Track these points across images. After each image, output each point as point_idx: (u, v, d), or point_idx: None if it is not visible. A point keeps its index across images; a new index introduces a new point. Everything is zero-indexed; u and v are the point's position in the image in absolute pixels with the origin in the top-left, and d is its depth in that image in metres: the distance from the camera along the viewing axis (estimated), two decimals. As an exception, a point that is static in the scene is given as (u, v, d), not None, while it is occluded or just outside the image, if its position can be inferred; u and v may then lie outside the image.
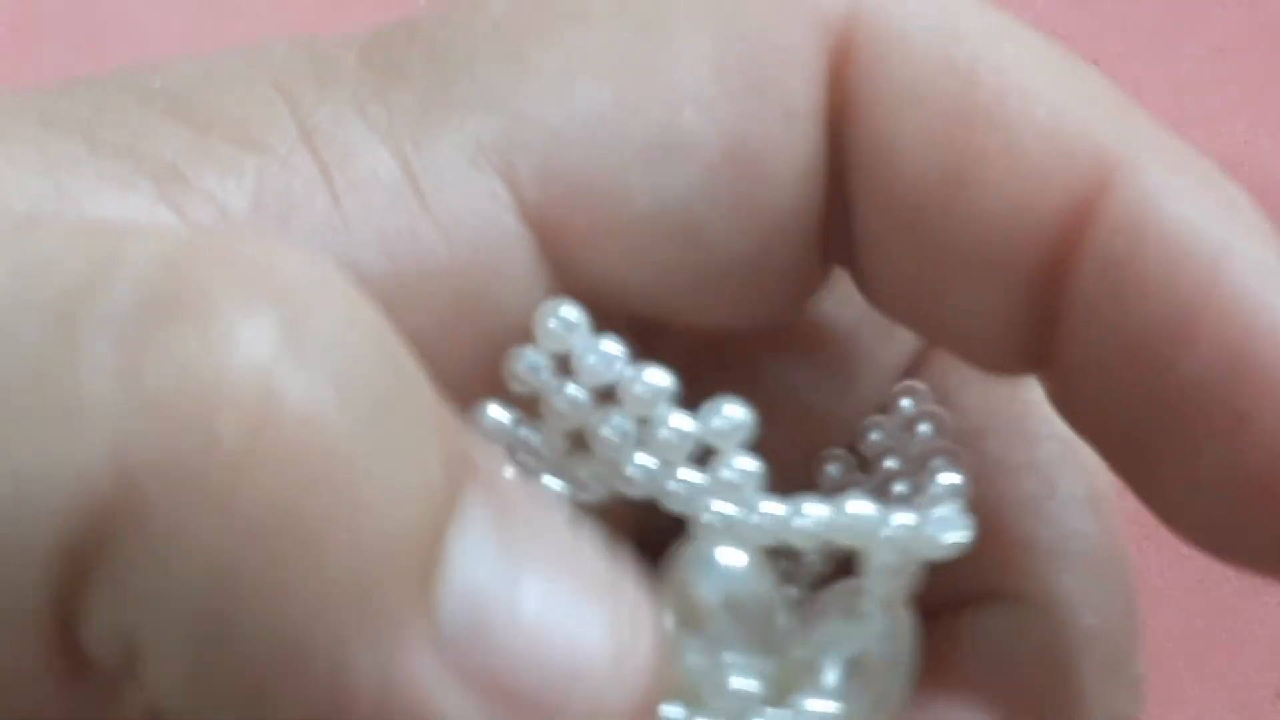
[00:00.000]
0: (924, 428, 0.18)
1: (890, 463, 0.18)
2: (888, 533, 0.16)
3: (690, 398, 0.16)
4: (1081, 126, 0.16)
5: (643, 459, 0.16)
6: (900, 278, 0.16)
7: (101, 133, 0.15)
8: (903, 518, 0.16)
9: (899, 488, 0.18)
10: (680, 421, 0.16)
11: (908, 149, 0.16)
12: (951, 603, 0.18)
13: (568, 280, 0.16)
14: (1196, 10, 0.40)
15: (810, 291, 0.17)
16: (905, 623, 0.17)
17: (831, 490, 0.18)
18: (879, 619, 0.16)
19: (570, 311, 0.16)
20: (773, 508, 0.16)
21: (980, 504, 0.16)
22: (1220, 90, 0.40)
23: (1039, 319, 0.16)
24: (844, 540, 0.16)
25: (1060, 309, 0.16)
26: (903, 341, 0.18)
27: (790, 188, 0.16)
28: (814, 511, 0.16)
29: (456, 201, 0.15)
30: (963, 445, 0.18)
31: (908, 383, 0.18)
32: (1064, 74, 0.16)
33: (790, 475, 0.17)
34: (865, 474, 0.18)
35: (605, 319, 0.16)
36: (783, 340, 0.18)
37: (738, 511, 0.16)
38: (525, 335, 0.16)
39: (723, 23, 0.16)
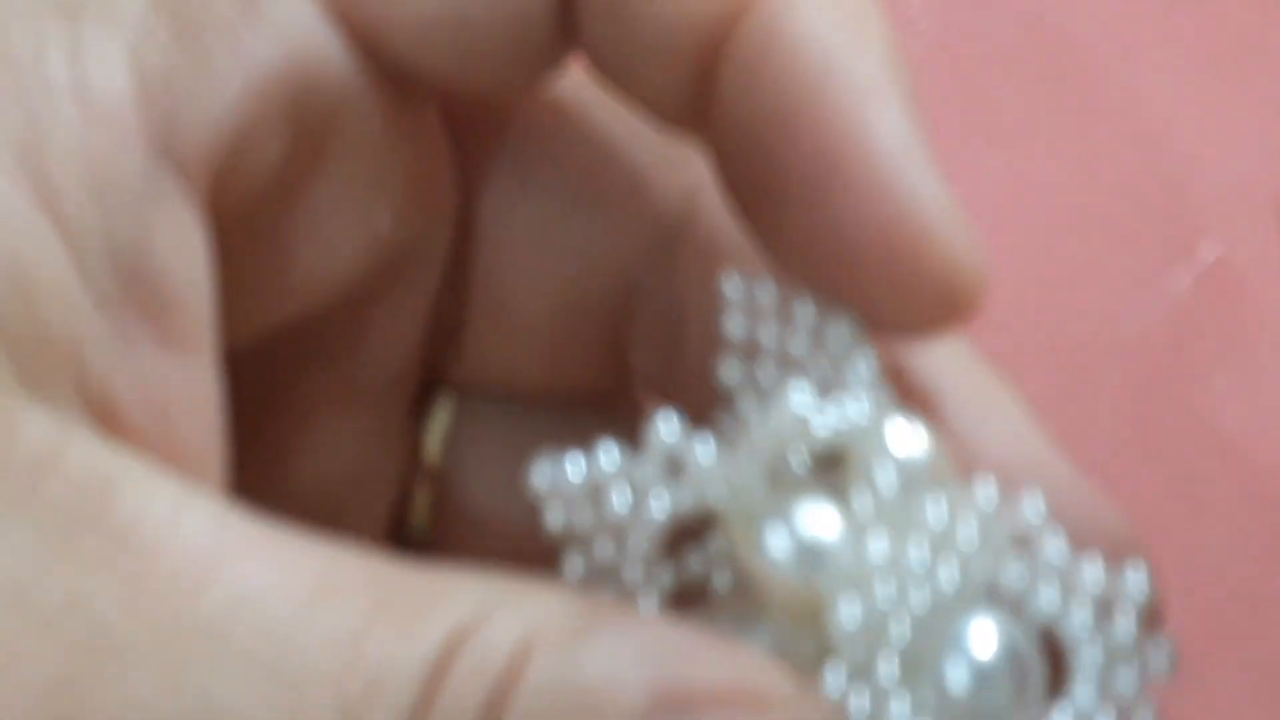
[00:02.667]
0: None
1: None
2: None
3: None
4: None
5: None
6: (613, 55, 0.21)
7: None
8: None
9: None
10: None
11: None
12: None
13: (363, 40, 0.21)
14: (1153, 18, 0.40)
15: (549, 61, 0.21)
16: None
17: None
18: None
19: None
20: None
21: None
22: (1183, 93, 0.40)
23: (699, 96, 0.20)
24: None
25: (713, 92, 0.20)
26: (683, 175, 0.23)
27: None
28: None
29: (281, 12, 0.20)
30: None
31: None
32: None
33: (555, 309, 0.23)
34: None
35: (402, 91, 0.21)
36: (562, 162, 0.23)
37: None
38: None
39: None
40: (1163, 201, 0.39)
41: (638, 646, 0.17)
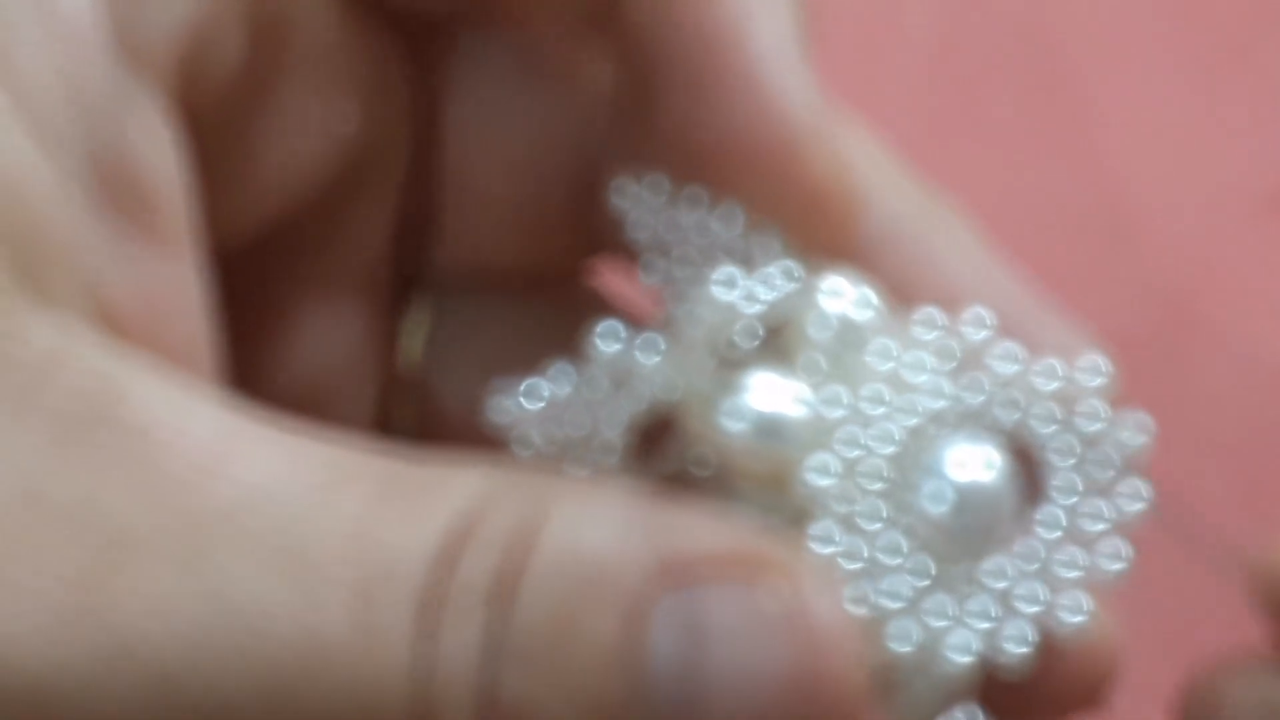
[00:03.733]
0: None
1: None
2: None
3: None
4: None
5: None
6: None
7: None
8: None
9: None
10: None
11: None
12: None
13: None
14: (1145, 26, 0.40)
15: None
16: None
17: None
18: None
19: None
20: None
21: None
22: (1175, 101, 0.40)
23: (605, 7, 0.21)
24: None
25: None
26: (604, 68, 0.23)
27: None
28: None
29: None
30: None
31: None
32: None
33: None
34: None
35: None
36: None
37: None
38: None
39: None
40: (1157, 205, 0.39)
41: (640, 522, 0.18)
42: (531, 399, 0.20)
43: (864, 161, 0.21)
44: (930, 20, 0.40)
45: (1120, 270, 0.38)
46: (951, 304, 0.20)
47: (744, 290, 0.20)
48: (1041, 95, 0.40)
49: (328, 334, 0.24)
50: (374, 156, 0.23)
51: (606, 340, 0.20)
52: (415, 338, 0.25)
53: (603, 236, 0.23)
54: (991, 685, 0.19)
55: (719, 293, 0.19)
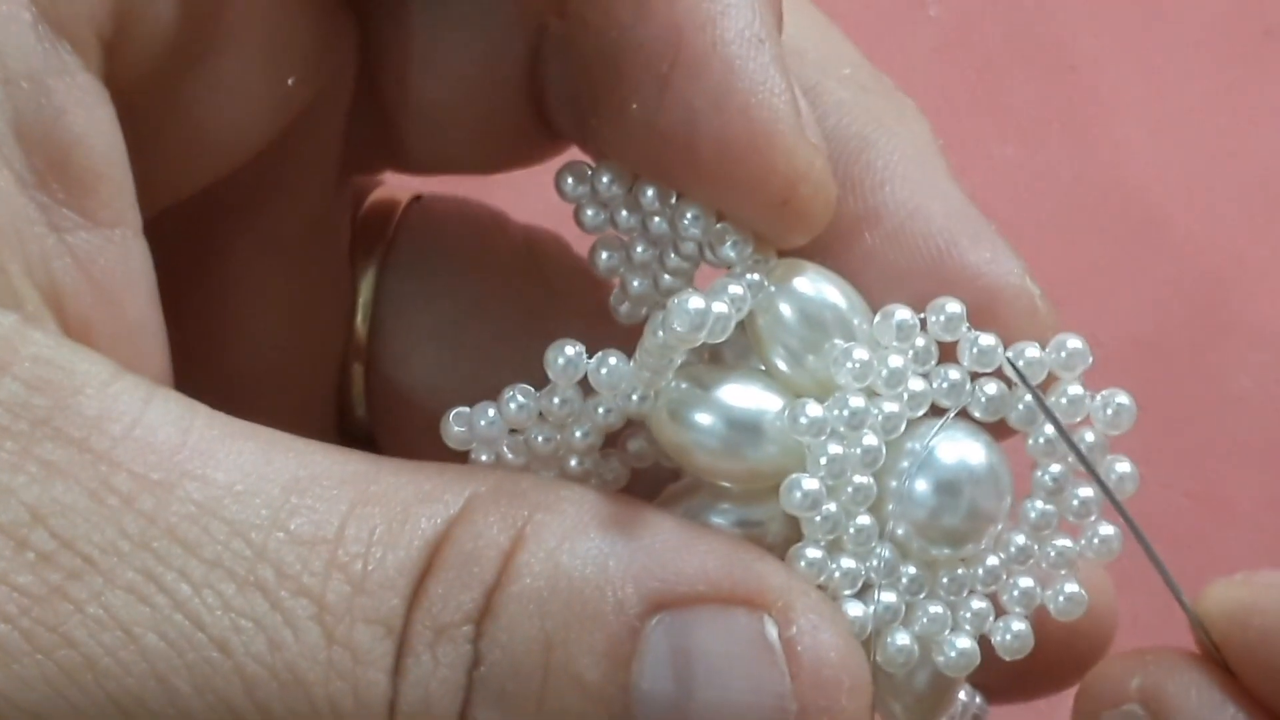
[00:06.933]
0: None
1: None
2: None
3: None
4: None
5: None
6: None
7: None
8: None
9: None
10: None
11: None
12: None
13: None
14: (1169, 6, 0.40)
15: None
16: None
17: None
18: None
19: None
20: None
21: None
22: (1199, 85, 0.39)
23: None
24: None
25: None
26: None
27: None
28: None
29: None
30: None
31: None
32: None
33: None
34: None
35: None
36: None
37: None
38: None
39: None
40: (1181, 199, 0.38)
41: (622, 545, 0.17)
42: (490, 420, 0.19)
43: (813, 44, 0.21)
44: (948, 2, 0.40)
45: (1145, 268, 0.38)
46: (896, 212, 0.20)
47: (713, 293, 0.19)
48: (1062, 76, 0.39)
49: (282, 300, 0.24)
50: (317, 106, 0.23)
51: (566, 359, 0.19)
52: (365, 310, 0.25)
53: (559, 125, 0.23)
54: (989, 661, 0.20)
55: (690, 303, 0.19)
